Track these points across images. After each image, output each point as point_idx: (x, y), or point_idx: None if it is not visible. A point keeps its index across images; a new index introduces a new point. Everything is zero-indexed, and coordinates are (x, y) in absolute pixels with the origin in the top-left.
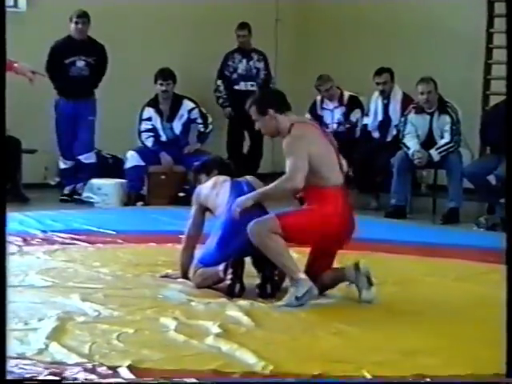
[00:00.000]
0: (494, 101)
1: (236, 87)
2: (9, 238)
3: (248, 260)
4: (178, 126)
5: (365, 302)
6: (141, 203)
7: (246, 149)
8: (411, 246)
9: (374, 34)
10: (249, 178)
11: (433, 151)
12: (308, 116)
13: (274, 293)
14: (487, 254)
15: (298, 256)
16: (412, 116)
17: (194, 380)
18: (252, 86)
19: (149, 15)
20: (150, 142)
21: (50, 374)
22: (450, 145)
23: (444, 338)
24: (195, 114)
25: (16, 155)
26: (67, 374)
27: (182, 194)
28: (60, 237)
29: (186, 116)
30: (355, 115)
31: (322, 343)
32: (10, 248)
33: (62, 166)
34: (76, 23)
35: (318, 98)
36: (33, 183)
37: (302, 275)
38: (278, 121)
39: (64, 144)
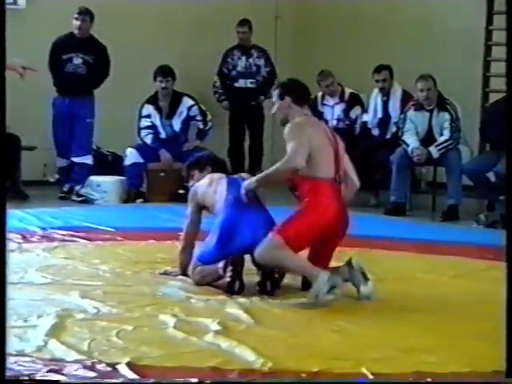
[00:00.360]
0: (493, 98)
1: (236, 84)
2: (8, 235)
3: (248, 257)
4: (177, 123)
5: (364, 297)
6: (140, 200)
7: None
8: (411, 243)
9: (373, 31)
10: (244, 175)
11: (432, 148)
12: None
13: (274, 290)
14: (486, 251)
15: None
16: (411, 113)
17: (194, 380)
18: (251, 83)
19: (149, 12)
20: (149, 139)
21: (49, 371)
22: (450, 142)
23: (443, 335)
24: (195, 111)
25: (15, 152)
26: (66, 370)
27: (181, 191)
28: (59, 234)
29: (185, 113)
30: (355, 112)
31: (321, 340)
32: (10, 245)
33: (59, 164)
34: (76, 19)
35: (319, 93)
36: (32, 180)
37: (323, 272)
38: (292, 110)
39: (60, 142)
